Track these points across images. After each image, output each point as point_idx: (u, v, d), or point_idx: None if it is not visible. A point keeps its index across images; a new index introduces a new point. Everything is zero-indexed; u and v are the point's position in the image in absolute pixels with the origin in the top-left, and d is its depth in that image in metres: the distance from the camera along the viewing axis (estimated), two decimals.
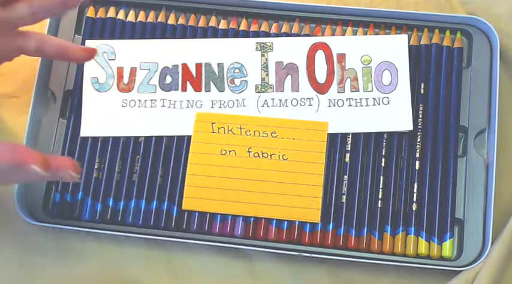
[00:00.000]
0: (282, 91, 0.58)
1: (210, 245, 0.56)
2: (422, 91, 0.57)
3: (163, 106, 0.58)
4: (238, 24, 0.60)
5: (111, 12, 0.60)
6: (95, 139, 0.57)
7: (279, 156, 0.56)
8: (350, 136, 0.57)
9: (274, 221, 0.55)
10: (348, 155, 0.56)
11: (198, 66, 0.58)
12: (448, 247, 0.54)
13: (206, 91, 0.58)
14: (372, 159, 0.56)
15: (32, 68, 0.59)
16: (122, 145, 0.57)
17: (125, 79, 0.58)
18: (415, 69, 0.58)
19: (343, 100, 0.57)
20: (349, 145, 0.56)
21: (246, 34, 0.59)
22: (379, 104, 0.57)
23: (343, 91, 0.57)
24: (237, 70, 0.58)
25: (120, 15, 0.60)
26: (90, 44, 0.59)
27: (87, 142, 0.57)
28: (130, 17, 0.60)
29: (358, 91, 0.57)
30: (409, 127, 0.56)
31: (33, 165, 0.46)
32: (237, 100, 0.58)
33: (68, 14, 0.60)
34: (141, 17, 0.60)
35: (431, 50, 0.58)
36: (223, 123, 0.57)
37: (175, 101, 0.58)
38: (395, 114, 0.56)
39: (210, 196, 0.56)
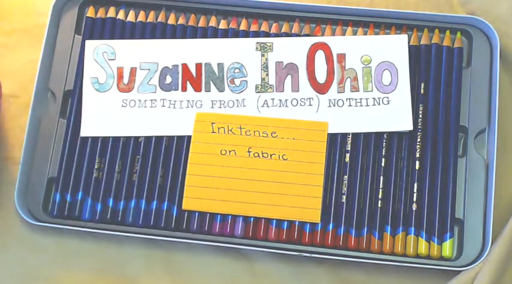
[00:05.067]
0: (282, 91, 0.58)
1: (210, 245, 0.56)
2: (422, 91, 0.57)
3: (163, 106, 0.58)
4: (238, 24, 0.60)
5: (111, 12, 0.60)
6: (95, 139, 0.57)
7: (279, 156, 0.56)
8: (350, 136, 0.57)
9: (274, 221, 0.55)
10: (348, 155, 0.56)
11: (198, 66, 0.58)
12: (448, 247, 0.54)
13: (206, 91, 0.58)
14: (371, 159, 0.56)
15: (32, 67, 0.59)
16: (122, 145, 0.57)
17: (125, 79, 0.58)
18: (415, 69, 0.58)
19: (343, 100, 0.57)
20: (349, 145, 0.56)
21: (246, 34, 0.59)
22: (379, 104, 0.57)
23: (343, 91, 0.57)
24: (237, 70, 0.58)
25: (120, 15, 0.60)
26: (90, 44, 0.59)
27: (87, 142, 0.57)
28: (130, 17, 0.60)
29: (358, 91, 0.57)
30: (409, 127, 0.56)
31: None
32: (237, 100, 0.58)
33: (68, 14, 0.60)
34: (141, 17, 0.60)
35: (431, 50, 0.58)
36: (223, 123, 0.57)
37: (175, 101, 0.58)
38: (395, 114, 0.56)
39: (210, 196, 0.56)
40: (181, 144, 0.57)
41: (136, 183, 0.56)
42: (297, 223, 0.55)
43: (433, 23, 0.59)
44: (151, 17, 0.60)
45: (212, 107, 0.57)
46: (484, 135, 0.57)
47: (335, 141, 0.57)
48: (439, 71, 0.58)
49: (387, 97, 0.57)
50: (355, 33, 0.59)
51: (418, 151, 0.56)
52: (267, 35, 0.59)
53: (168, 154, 0.57)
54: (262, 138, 0.56)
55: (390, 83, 0.57)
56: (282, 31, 0.59)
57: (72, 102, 0.59)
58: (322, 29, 0.59)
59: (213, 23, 0.60)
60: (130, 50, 0.59)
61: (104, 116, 0.58)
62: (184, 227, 0.56)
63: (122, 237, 0.56)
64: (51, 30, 0.60)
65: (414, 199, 0.55)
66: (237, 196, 0.55)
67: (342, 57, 0.58)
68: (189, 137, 0.57)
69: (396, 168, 0.56)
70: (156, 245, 0.57)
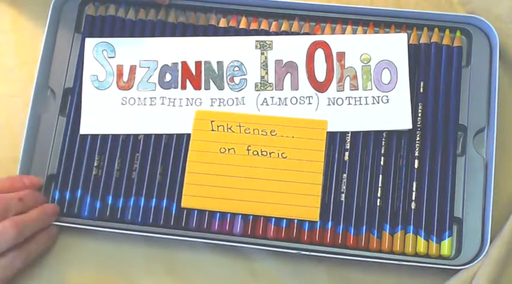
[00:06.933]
0: (282, 90, 0.58)
1: (209, 243, 0.56)
2: (421, 90, 0.57)
3: (162, 104, 0.58)
4: (238, 22, 0.60)
5: (111, 10, 0.60)
6: (95, 136, 0.57)
7: (278, 154, 0.56)
8: (349, 134, 0.57)
9: (273, 219, 0.55)
10: (347, 153, 0.56)
11: (198, 64, 0.58)
12: (446, 246, 0.54)
13: (206, 89, 0.58)
14: (371, 157, 0.56)
15: (31, 65, 0.59)
16: (121, 142, 0.57)
17: (125, 77, 0.58)
18: (415, 68, 0.58)
19: (342, 99, 0.57)
20: (349, 144, 0.56)
21: (245, 32, 0.59)
22: (378, 103, 0.57)
23: (343, 90, 0.57)
24: (236, 68, 0.58)
25: (120, 13, 0.60)
26: (89, 41, 0.59)
27: (87, 139, 0.58)
28: (130, 15, 0.60)
29: (358, 89, 0.57)
30: (408, 125, 0.56)
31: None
32: (237, 98, 0.58)
33: (68, 12, 0.60)
34: (141, 15, 0.60)
35: (431, 48, 0.58)
36: (222, 121, 0.57)
37: (174, 99, 0.58)
38: (395, 112, 0.56)
39: (209, 194, 0.56)
40: (181, 141, 0.57)
41: (135, 181, 0.57)
42: (295, 221, 0.55)
43: (432, 21, 0.59)
44: (151, 15, 0.60)
45: (211, 105, 0.58)
46: (483, 133, 0.57)
47: (334, 140, 0.57)
48: (438, 69, 0.58)
49: (386, 96, 0.57)
50: (354, 31, 0.59)
51: (417, 149, 0.56)
52: (266, 33, 0.59)
53: (167, 152, 0.57)
54: (261, 136, 0.56)
55: (390, 82, 0.57)
56: (282, 29, 0.59)
57: (71, 100, 0.59)
58: (321, 27, 0.59)
59: (212, 21, 0.60)
60: (130, 47, 0.59)
61: (103, 114, 0.58)
62: (183, 225, 0.56)
63: (120, 235, 0.56)
64: (51, 28, 0.60)
65: (413, 198, 0.55)
66: (236, 194, 0.55)
67: (341, 55, 0.58)
68: (189, 135, 0.57)
69: (395, 167, 0.56)
70: (155, 242, 0.57)
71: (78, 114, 0.58)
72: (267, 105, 0.57)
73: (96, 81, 0.58)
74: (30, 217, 0.53)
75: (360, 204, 0.55)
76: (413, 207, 0.55)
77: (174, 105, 0.58)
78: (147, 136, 0.57)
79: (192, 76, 0.58)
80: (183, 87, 0.58)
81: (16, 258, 0.52)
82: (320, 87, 0.57)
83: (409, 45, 0.58)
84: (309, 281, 0.56)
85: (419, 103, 0.57)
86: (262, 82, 0.58)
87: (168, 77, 0.58)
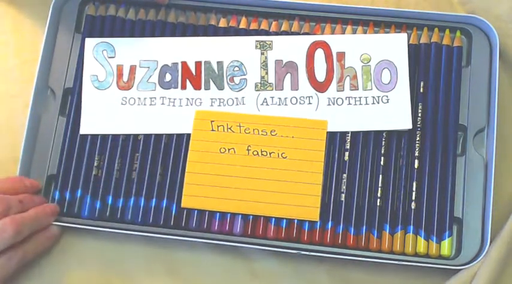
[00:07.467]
0: (282, 90, 0.58)
1: (209, 243, 0.56)
2: (421, 90, 0.57)
3: (162, 104, 0.58)
4: (238, 22, 0.60)
5: (111, 10, 0.60)
6: (95, 136, 0.57)
7: (278, 154, 0.56)
8: (349, 134, 0.57)
9: (273, 219, 0.55)
10: (347, 153, 0.56)
11: (198, 64, 0.58)
12: (446, 246, 0.54)
13: (206, 89, 0.58)
14: (371, 157, 0.56)
15: (31, 65, 0.59)
16: (121, 142, 0.57)
17: (125, 77, 0.58)
18: (415, 68, 0.58)
19: (342, 99, 0.57)
20: (348, 144, 0.56)
21: (245, 32, 0.59)
22: (378, 103, 0.57)
23: (343, 90, 0.57)
24: (236, 68, 0.58)
25: (120, 13, 0.60)
26: (89, 41, 0.59)
27: (87, 139, 0.58)
28: (130, 15, 0.60)
29: (358, 89, 0.57)
30: (408, 125, 0.56)
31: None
32: (237, 98, 0.58)
33: (68, 12, 0.60)
34: (141, 15, 0.60)
35: (431, 48, 0.58)
36: (222, 121, 0.57)
37: (174, 99, 0.58)
38: (395, 112, 0.56)
39: (209, 194, 0.56)
40: (181, 141, 0.57)
41: (135, 181, 0.57)
42: (295, 222, 0.55)
43: (432, 21, 0.59)
44: (151, 15, 0.60)
45: (211, 105, 0.58)
46: (483, 133, 0.57)
47: (334, 140, 0.57)
48: (438, 69, 0.58)
49: (386, 96, 0.57)
50: (354, 31, 0.59)
51: (417, 149, 0.56)
52: (266, 33, 0.59)
53: (167, 152, 0.57)
54: (261, 136, 0.56)
55: (390, 82, 0.57)
56: (282, 29, 0.59)
57: (71, 100, 0.59)
58: (321, 27, 0.59)
59: (212, 21, 0.60)
60: (130, 47, 0.59)
61: (103, 114, 0.58)
62: (183, 225, 0.56)
63: (120, 235, 0.56)
64: (51, 28, 0.60)
65: (413, 198, 0.55)
66: (236, 194, 0.55)
67: (341, 55, 0.58)
68: (189, 135, 0.57)
69: (395, 167, 0.56)
70: (155, 242, 0.57)
71: (78, 114, 0.58)
72: (267, 105, 0.57)
73: (96, 81, 0.58)
74: (29, 216, 0.53)
75: (360, 204, 0.55)
76: (413, 207, 0.55)
77: (174, 105, 0.58)
78: (147, 136, 0.57)
79: (192, 76, 0.58)
80: (183, 87, 0.58)
81: (12, 258, 0.52)
82: (320, 87, 0.57)
83: (409, 45, 0.58)
84: (309, 281, 0.56)
85: (419, 103, 0.57)
86: (262, 82, 0.58)
87: (168, 77, 0.58)
